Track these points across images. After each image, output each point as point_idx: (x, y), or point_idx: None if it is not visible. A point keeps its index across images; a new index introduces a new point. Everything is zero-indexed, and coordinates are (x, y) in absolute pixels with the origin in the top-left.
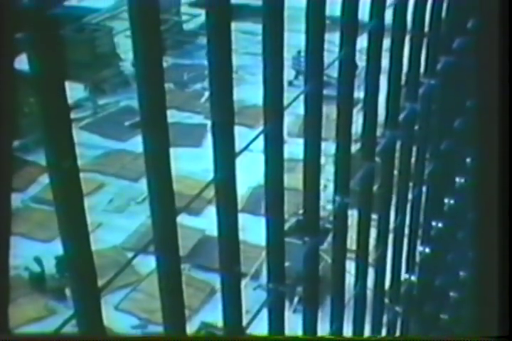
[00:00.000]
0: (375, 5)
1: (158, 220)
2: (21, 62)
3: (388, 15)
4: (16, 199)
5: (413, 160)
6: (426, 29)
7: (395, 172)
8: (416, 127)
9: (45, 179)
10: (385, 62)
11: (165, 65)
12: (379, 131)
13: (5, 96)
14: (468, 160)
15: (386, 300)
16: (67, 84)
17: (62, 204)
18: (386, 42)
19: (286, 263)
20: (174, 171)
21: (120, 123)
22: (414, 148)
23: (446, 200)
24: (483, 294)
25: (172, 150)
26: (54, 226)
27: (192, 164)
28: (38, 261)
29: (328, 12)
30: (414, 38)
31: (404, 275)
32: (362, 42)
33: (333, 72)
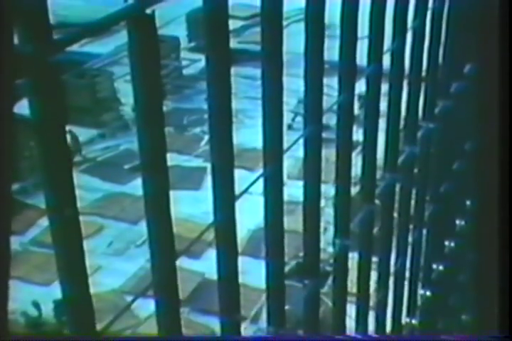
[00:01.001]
0: (372, 50)
1: (157, 263)
2: (22, 107)
3: (386, 60)
4: (15, 243)
5: (413, 202)
6: (423, 73)
7: (395, 214)
8: (415, 170)
9: (44, 222)
10: (383, 105)
11: (165, 109)
12: (378, 174)
13: (5, 139)
14: (468, 202)
15: None
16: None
17: (61, 247)
18: (384, 87)
19: (286, 307)
20: (174, 214)
21: (120, 167)
22: (414, 191)
23: (446, 243)
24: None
25: (172, 193)
26: (53, 269)
27: (192, 207)
28: (35, 305)
29: (326, 57)
30: (412, 83)
31: (405, 319)
32: (360, 86)
33: (332, 116)
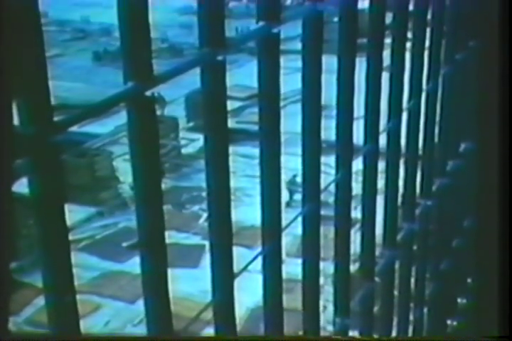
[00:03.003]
0: (369, 130)
1: None
2: (21, 185)
3: (382, 139)
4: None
5: (413, 280)
6: (420, 152)
7: (395, 292)
8: (414, 247)
9: (40, 301)
10: (381, 183)
11: (164, 187)
12: (378, 251)
13: (4, 217)
14: (469, 280)
15: None
16: (66, 207)
17: (57, 327)
18: (381, 165)
19: None
20: (172, 292)
21: (118, 245)
22: (414, 268)
23: (448, 322)
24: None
25: (170, 271)
26: None
27: (190, 285)
28: None
29: (323, 136)
30: (409, 161)
31: None
32: (357, 164)
33: (329, 193)
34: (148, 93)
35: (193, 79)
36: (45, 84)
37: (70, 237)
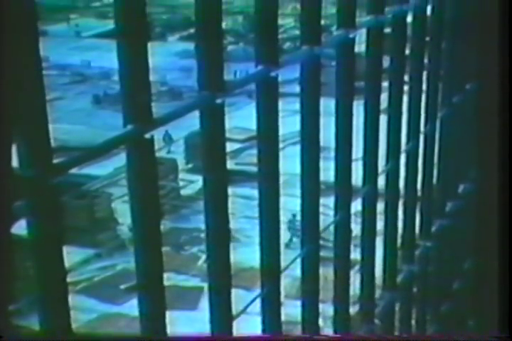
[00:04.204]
0: (367, 171)
1: None
2: (20, 228)
3: (381, 180)
4: None
5: (413, 322)
6: (418, 193)
7: (396, 334)
8: (414, 289)
9: None
10: (380, 224)
11: (162, 228)
12: (377, 293)
13: (4, 260)
14: (470, 322)
15: None
16: (65, 248)
17: None
18: (380, 206)
19: None
20: (170, 334)
21: (116, 287)
22: (414, 310)
23: None
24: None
25: (168, 313)
26: None
27: (188, 327)
28: None
29: (322, 177)
30: (408, 202)
31: None
32: (356, 205)
33: (329, 234)
34: (147, 135)
35: (192, 122)
36: (45, 126)
37: (68, 279)
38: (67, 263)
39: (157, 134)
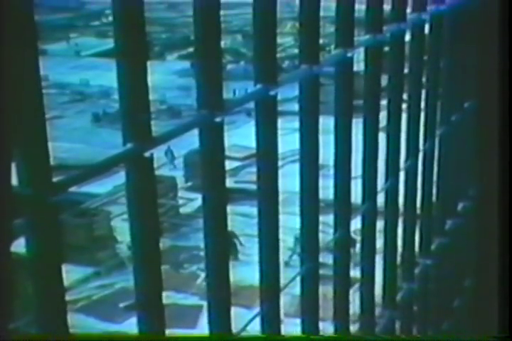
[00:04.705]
0: (367, 189)
1: None
2: (18, 246)
3: (380, 198)
4: None
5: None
6: (418, 211)
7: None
8: (415, 307)
9: None
10: (379, 242)
11: (161, 246)
12: (377, 311)
13: (3, 280)
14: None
15: None
16: (64, 266)
17: None
18: (379, 224)
19: None
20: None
21: (115, 305)
22: (414, 329)
23: None
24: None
25: (167, 332)
26: None
27: None
28: None
29: (321, 195)
30: (407, 220)
31: None
32: (356, 223)
33: (329, 252)
34: (147, 154)
35: (191, 140)
36: (44, 145)
37: (67, 297)
38: (66, 282)
39: (159, 150)
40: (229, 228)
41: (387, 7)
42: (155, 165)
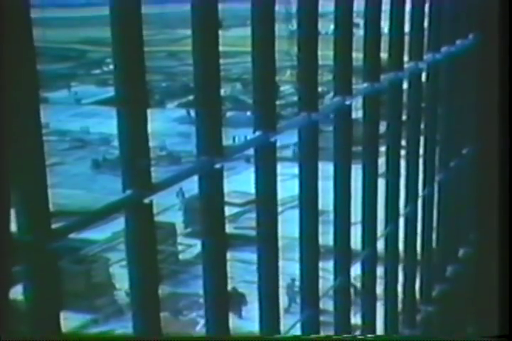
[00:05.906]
0: (366, 235)
1: None
2: (16, 292)
3: (380, 244)
4: None
5: None
6: (418, 257)
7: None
8: None
9: None
10: (379, 288)
11: (161, 293)
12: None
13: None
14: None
15: None
16: (62, 313)
17: None
18: (380, 270)
19: None
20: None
21: None
22: None
23: None
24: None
25: None
26: None
27: None
28: None
29: (321, 241)
30: (408, 267)
31: None
32: (356, 269)
33: (329, 299)
34: (146, 200)
35: (191, 186)
36: (44, 191)
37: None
38: (64, 329)
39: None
40: (228, 274)
41: (384, 55)
42: (154, 210)
